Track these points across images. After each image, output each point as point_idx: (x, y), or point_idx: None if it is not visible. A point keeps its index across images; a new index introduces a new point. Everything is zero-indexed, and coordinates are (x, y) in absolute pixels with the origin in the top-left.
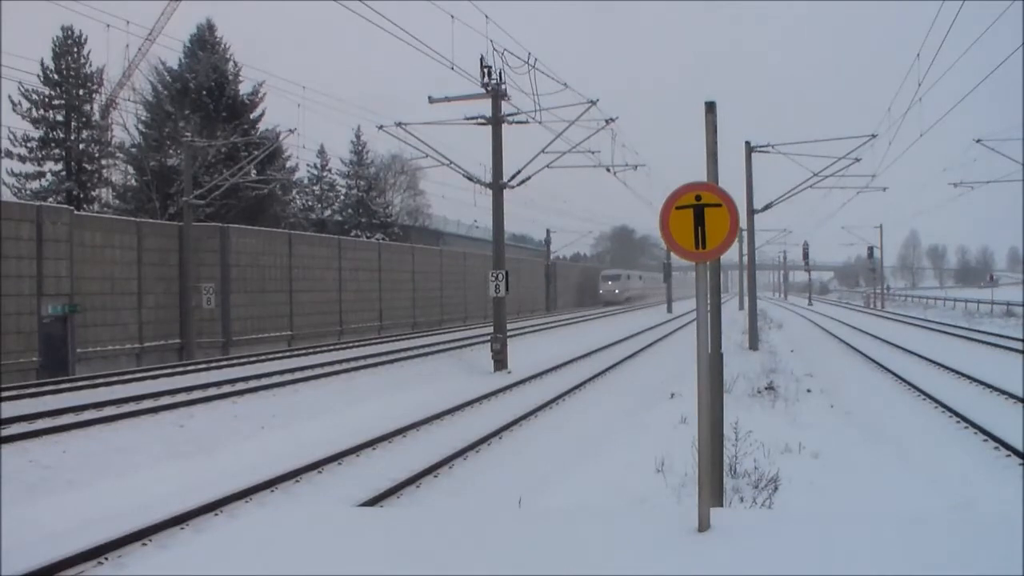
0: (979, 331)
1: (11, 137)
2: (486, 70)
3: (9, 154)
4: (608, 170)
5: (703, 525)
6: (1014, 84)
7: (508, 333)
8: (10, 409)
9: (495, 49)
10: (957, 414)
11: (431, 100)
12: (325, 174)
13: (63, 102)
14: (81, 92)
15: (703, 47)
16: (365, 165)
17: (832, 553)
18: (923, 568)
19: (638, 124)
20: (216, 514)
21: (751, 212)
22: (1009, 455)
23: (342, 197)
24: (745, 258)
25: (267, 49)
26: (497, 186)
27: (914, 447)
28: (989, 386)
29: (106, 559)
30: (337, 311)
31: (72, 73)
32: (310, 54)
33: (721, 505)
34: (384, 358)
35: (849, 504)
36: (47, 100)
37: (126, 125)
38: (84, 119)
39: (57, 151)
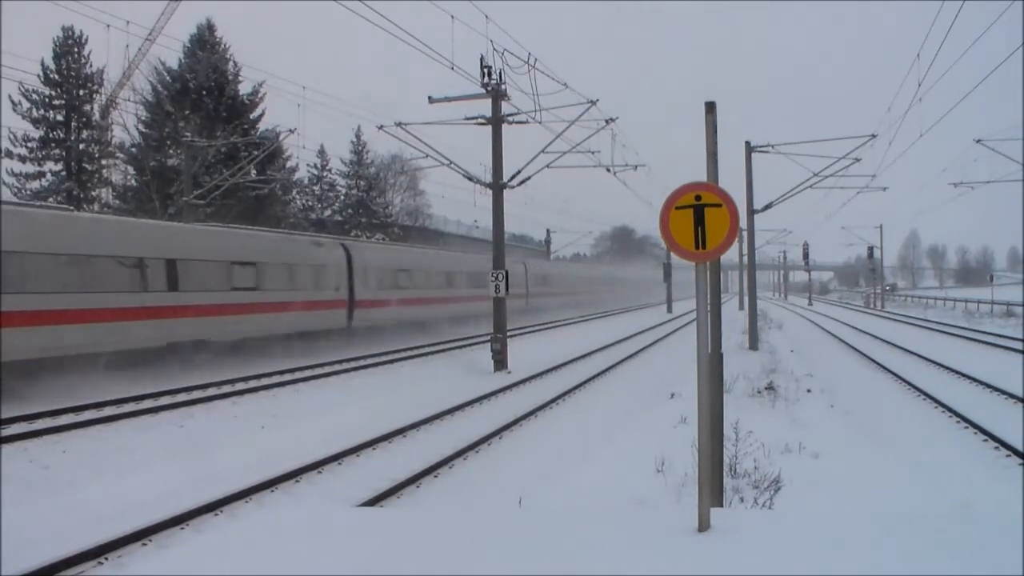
0: (979, 331)
1: (11, 137)
2: (486, 70)
3: (9, 154)
4: (608, 170)
5: (703, 525)
6: (1014, 84)
7: (508, 333)
8: (10, 409)
9: (495, 49)
10: (957, 414)
11: (431, 100)
12: (325, 174)
13: (63, 102)
14: (81, 92)
15: (704, 47)
16: (365, 165)
17: (832, 553)
18: (923, 568)
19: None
20: (216, 514)
21: (751, 212)
22: (1009, 455)
23: (342, 197)
24: (745, 258)
25: (267, 49)
26: (497, 186)
27: (914, 447)
28: (989, 386)
29: (106, 559)
30: None
31: (72, 73)
32: (310, 54)
33: (721, 505)
34: (383, 358)
35: (849, 504)
36: (47, 100)
37: (126, 125)
38: (84, 119)
39: (57, 151)
